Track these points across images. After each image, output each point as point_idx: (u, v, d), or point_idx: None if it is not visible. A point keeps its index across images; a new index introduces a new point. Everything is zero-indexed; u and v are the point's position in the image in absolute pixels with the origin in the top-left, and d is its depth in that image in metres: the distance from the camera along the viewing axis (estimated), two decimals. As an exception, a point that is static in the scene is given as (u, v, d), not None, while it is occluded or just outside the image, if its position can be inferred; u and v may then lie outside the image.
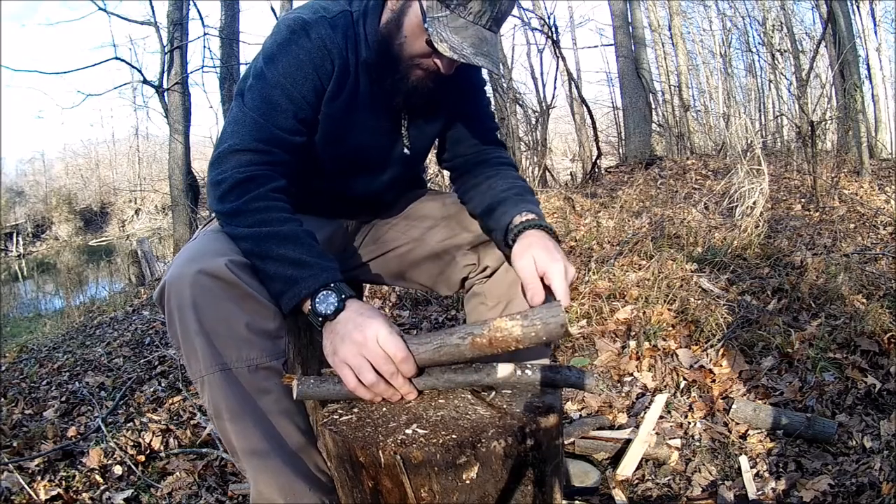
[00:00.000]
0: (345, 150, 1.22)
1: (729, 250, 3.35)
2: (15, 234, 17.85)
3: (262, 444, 1.02)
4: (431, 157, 1.78)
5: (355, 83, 1.17)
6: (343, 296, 0.97)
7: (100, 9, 7.34)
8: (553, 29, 7.94)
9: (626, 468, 1.66)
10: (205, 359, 0.98)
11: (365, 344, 0.93)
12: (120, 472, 1.91)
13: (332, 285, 0.98)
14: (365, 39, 1.16)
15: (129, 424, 2.26)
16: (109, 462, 1.97)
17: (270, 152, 1.08)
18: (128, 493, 1.78)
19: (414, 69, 1.14)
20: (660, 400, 1.79)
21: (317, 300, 0.97)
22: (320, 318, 0.97)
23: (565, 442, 1.72)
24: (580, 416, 1.99)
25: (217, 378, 0.99)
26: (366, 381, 0.92)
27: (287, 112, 1.10)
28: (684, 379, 2.13)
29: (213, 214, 1.13)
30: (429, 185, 1.66)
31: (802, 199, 4.87)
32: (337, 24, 1.13)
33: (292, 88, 1.10)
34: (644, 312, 2.62)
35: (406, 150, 1.29)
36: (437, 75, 1.14)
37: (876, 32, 9.52)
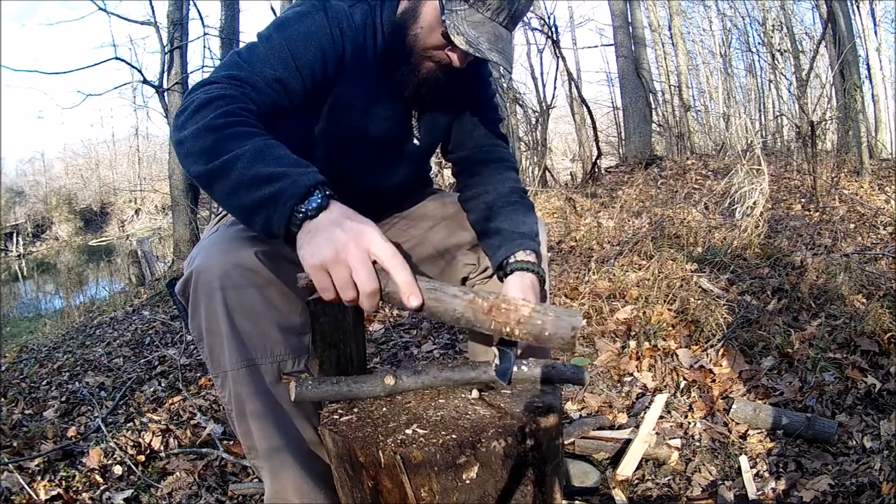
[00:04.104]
0: (366, 141, 1.21)
1: (729, 250, 3.35)
2: (15, 234, 17.85)
3: (282, 444, 1.00)
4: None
5: (373, 74, 1.16)
6: (327, 192, 0.86)
7: (100, 9, 7.34)
8: (553, 29, 7.95)
9: (626, 468, 1.66)
10: (231, 353, 0.96)
11: (354, 249, 0.82)
12: (120, 472, 1.91)
13: (313, 188, 0.86)
14: (382, 29, 1.15)
15: (129, 424, 2.26)
16: (109, 462, 1.97)
17: (242, 87, 0.99)
18: (128, 493, 1.78)
19: (425, 61, 1.14)
20: (660, 400, 1.79)
21: (299, 207, 0.85)
22: (299, 217, 0.85)
23: (565, 442, 1.72)
24: (580, 416, 1.99)
25: (243, 374, 0.97)
26: (345, 297, 0.83)
27: (275, 70, 1.03)
28: (684, 379, 2.13)
29: (176, 149, 0.97)
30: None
31: (802, 199, 4.87)
32: (356, 11, 1.13)
33: (290, 56, 1.05)
34: (644, 312, 2.62)
35: (416, 142, 1.28)
36: (448, 68, 1.14)
37: (876, 32, 9.52)
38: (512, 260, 1.15)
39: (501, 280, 1.16)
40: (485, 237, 1.24)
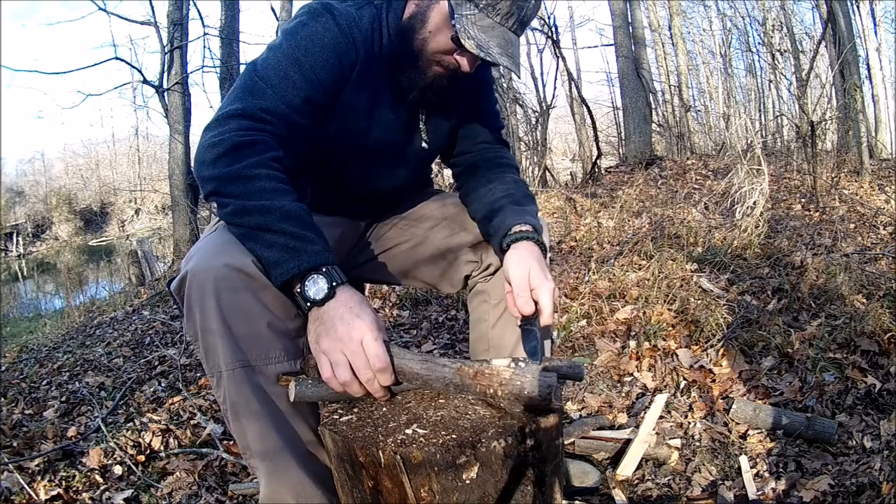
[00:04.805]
0: (367, 144, 1.22)
1: (729, 250, 3.35)
2: (15, 234, 17.87)
3: (277, 445, 1.01)
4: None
5: (378, 76, 1.17)
6: (334, 282, 0.94)
7: (100, 9, 7.35)
8: (553, 29, 7.96)
9: (626, 468, 1.66)
10: (225, 354, 0.96)
11: (348, 343, 0.91)
12: (120, 472, 1.91)
13: (324, 269, 0.94)
14: (388, 33, 1.16)
15: (129, 424, 2.26)
16: (109, 462, 1.97)
17: (273, 124, 1.03)
18: (128, 493, 1.78)
19: (433, 65, 1.14)
20: (660, 400, 1.79)
21: (307, 281, 0.93)
22: (308, 303, 0.94)
23: (565, 442, 1.72)
24: (580, 416, 1.99)
25: (237, 375, 0.97)
26: (340, 378, 0.91)
27: (299, 89, 1.06)
28: (684, 379, 2.13)
29: (198, 178, 1.03)
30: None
31: (802, 199, 4.87)
32: (363, 14, 1.13)
33: (309, 67, 1.07)
34: (644, 312, 2.62)
35: (424, 145, 1.28)
36: (455, 73, 1.14)
37: (876, 32, 9.53)
38: (509, 233, 1.15)
39: (503, 253, 1.16)
40: (486, 221, 1.24)
